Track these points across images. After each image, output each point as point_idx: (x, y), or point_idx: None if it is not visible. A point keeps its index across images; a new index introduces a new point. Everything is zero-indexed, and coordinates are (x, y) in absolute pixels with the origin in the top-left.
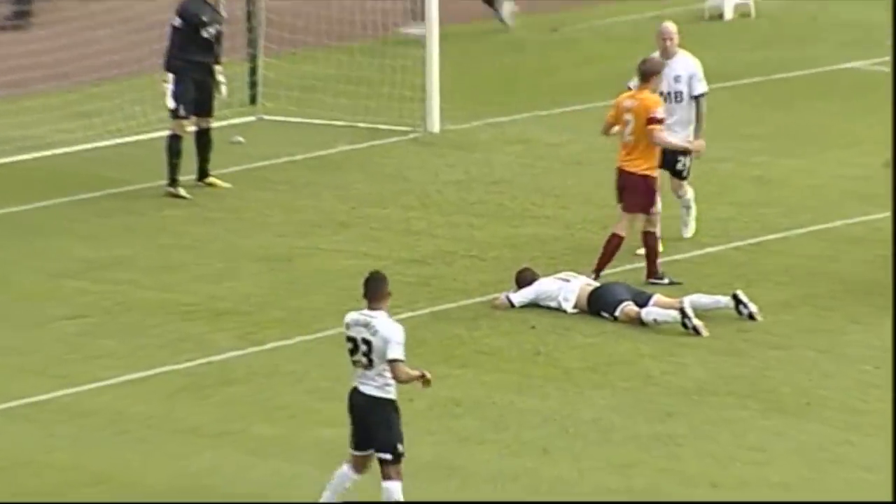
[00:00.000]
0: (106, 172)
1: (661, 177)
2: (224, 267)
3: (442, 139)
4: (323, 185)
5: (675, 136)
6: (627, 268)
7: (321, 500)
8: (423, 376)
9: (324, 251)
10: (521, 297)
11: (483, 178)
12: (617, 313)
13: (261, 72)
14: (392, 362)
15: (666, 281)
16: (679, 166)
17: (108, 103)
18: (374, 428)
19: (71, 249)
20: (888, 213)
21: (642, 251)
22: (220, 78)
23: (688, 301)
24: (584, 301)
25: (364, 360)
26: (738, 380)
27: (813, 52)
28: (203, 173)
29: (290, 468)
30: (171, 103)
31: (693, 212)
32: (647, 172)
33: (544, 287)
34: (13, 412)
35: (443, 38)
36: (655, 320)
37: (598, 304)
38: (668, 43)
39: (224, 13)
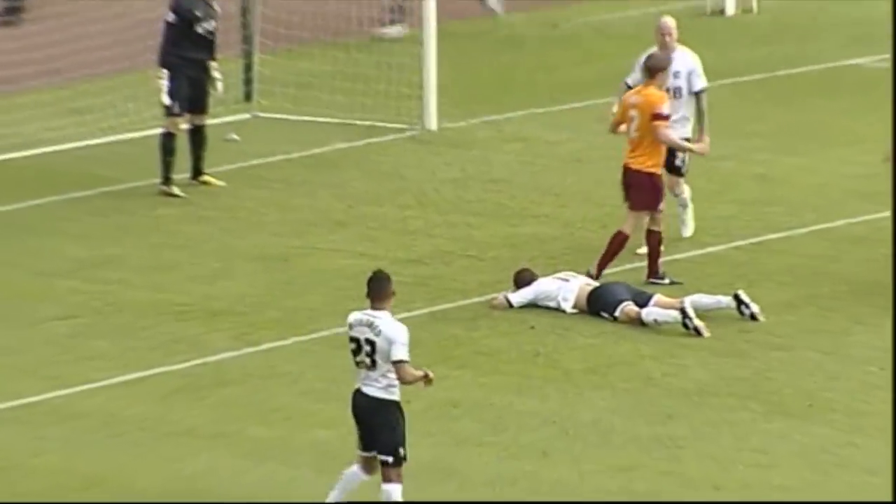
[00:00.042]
0: (98, 170)
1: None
2: (218, 266)
3: (439, 137)
4: (319, 183)
5: (676, 133)
6: (627, 267)
7: (328, 500)
8: (426, 376)
9: (320, 250)
10: (519, 297)
11: (481, 176)
12: (617, 313)
13: (256, 68)
14: (397, 363)
15: (667, 281)
16: (678, 162)
17: (100, 100)
18: (376, 430)
19: (62, 249)
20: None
21: (643, 250)
22: (216, 74)
23: (689, 301)
24: (583, 301)
25: (367, 360)
26: (740, 381)
27: (816, 49)
28: (197, 171)
29: (286, 471)
30: (166, 100)
31: (691, 210)
32: (653, 170)
33: (543, 287)
34: (3, 414)
35: (440, 34)
36: (656, 321)
37: (597, 305)
38: (668, 38)
39: (217, 8)
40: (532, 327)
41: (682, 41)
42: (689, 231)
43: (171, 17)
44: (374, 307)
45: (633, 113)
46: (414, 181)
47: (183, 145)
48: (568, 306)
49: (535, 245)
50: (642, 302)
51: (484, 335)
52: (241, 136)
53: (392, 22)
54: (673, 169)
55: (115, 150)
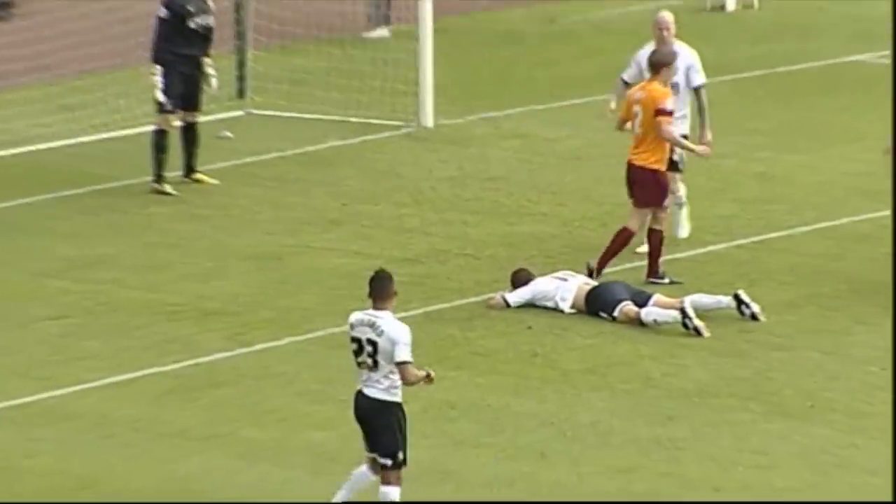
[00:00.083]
0: (89, 168)
1: None
2: (211, 266)
3: (436, 134)
4: (313, 181)
5: (676, 130)
6: (627, 266)
7: (335, 500)
8: (428, 376)
9: (314, 249)
10: (517, 296)
11: (478, 174)
12: (616, 313)
13: (249, 65)
14: (400, 365)
15: (666, 280)
16: (675, 157)
17: (91, 96)
18: (378, 432)
19: (53, 248)
20: None
21: (643, 249)
22: (210, 71)
23: (688, 301)
24: (581, 301)
25: (369, 361)
26: (741, 382)
27: (817, 45)
28: (190, 169)
29: (280, 473)
30: (160, 96)
31: (686, 210)
32: (656, 166)
33: (541, 287)
34: None
35: (436, 30)
36: (655, 321)
37: (596, 304)
38: (665, 33)
39: (211, 4)
40: (529, 327)
41: (681, 37)
42: (684, 232)
43: (163, 12)
44: (375, 307)
45: (636, 109)
46: (410, 179)
47: (175, 143)
48: (566, 306)
49: (533, 244)
50: (641, 302)
51: (480, 335)
52: (235, 133)
53: (376, 25)
54: (670, 165)
55: (106, 148)
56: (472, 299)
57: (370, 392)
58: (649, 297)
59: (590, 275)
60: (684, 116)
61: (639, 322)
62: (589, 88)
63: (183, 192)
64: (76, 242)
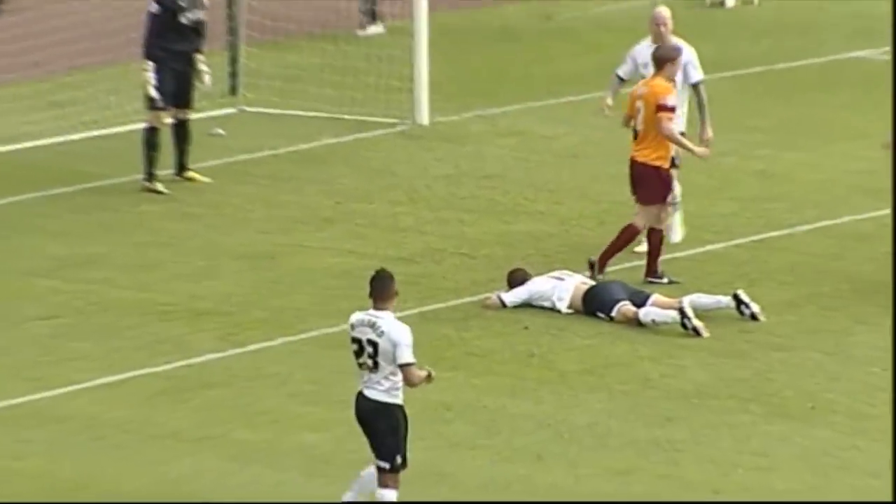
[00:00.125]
0: (79, 166)
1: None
2: (203, 265)
3: (431, 132)
4: (307, 179)
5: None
6: (626, 266)
7: (343, 499)
8: (429, 375)
9: (307, 248)
10: (513, 296)
11: (474, 172)
12: (613, 313)
13: (242, 61)
14: (403, 367)
15: (665, 280)
16: (671, 153)
17: (81, 93)
18: (378, 435)
19: (43, 247)
20: None
21: (641, 248)
22: (203, 67)
23: (687, 301)
24: (579, 301)
25: (370, 362)
26: (740, 383)
27: (818, 41)
28: (181, 167)
29: (273, 475)
30: (153, 93)
31: (680, 214)
32: (658, 163)
33: (537, 286)
34: None
35: (432, 26)
36: (654, 321)
37: (593, 304)
38: (662, 29)
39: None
40: (526, 328)
41: (681, 33)
42: (676, 237)
43: (154, 7)
44: (376, 307)
45: (639, 104)
46: (404, 177)
47: (167, 140)
48: (563, 306)
49: (530, 243)
50: (640, 302)
51: (476, 336)
52: (227, 130)
53: (368, 23)
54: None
55: (96, 145)
56: (468, 299)
57: (371, 394)
58: (647, 296)
59: (591, 269)
60: (683, 112)
61: (637, 322)
62: (586, 85)
63: (174, 191)
64: (66, 241)
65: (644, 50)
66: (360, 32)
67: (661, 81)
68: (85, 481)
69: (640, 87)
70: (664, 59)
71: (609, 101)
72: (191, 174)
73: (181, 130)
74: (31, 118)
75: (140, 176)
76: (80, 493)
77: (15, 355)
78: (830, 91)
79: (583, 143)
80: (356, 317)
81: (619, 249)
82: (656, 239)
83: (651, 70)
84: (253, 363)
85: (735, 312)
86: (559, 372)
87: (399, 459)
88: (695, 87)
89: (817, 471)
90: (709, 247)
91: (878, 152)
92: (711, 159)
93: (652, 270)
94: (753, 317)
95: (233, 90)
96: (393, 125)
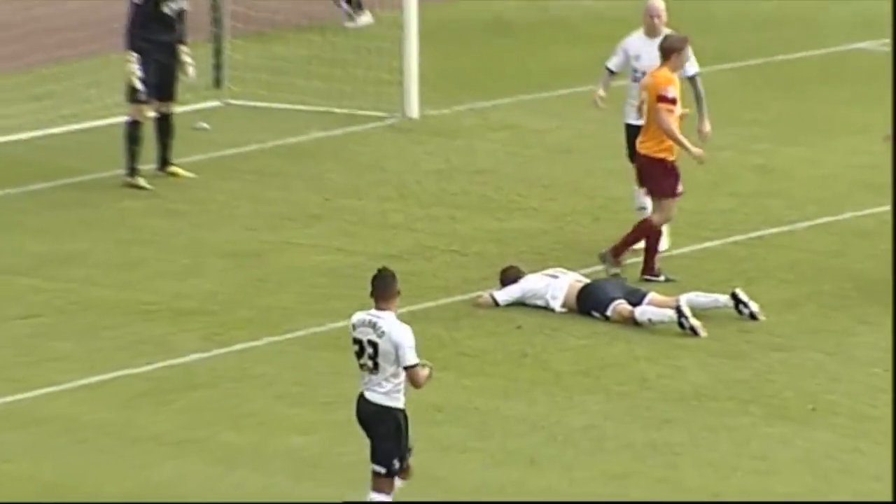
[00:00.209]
0: (59, 161)
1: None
2: (187, 263)
3: (421, 125)
4: (294, 174)
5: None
6: (623, 264)
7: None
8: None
9: (295, 246)
10: (505, 295)
11: (465, 167)
12: (609, 312)
13: (226, 53)
14: (409, 369)
15: (662, 278)
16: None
17: (60, 86)
18: (376, 439)
19: (22, 244)
20: None
21: (638, 245)
22: (187, 59)
23: (684, 300)
24: (573, 299)
25: (370, 363)
26: (739, 384)
27: (819, 33)
28: (165, 162)
29: (260, 479)
30: (139, 84)
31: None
32: (662, 155)
33: (531, 284)
34: None
35: (422, 17)
36: (650, 320)
37: (588, 303)
38: (656, 20)
39: None
40: (519, 327)
41: (677, 25)
42: (662, 245)
43: None
44: (378, 307)
45: (643, 95)
46: (394, 172)
47: (149, 134)
48: (557, 305)
49: (523, 240)
50: (636, 300)
51: (468, 335)
52: (212, 124)
53: (357, 14)
54: None
55: (77, 139)
56: (459, 298)
57: (371, 396)
58: (644, 295)
59: (604, 261)
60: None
61: (633, 321)
62: (579, 78)
63: (157, 186)
64: (46, 238)
65: (636, 41)
66: (350, 24)
67: (664, 72)
68: (65, 485)
69: (645, 78)
70: (671, 50)
71: (601, 92)
72: (174, 169)
73: (164, 124)
74: (9, 111)
75: (122, 171)
76: (61, 497)
77: None
78: (832, 83)
79: (576, 137)
80: (357, 317)
81: (633, 244)
82: (654, 236)
83: (643, 62)
84: (238, 364)
85: (733, 311)
86: (553, 373)
87: (396, 464)
88: (691, 80)
89: (818, 474)
90: (706, 244)
91: (879, 147)
92: (709, 154)
93: (649, 268)
94: (752, 316)
95: (217, 83)
96: (382, 119)
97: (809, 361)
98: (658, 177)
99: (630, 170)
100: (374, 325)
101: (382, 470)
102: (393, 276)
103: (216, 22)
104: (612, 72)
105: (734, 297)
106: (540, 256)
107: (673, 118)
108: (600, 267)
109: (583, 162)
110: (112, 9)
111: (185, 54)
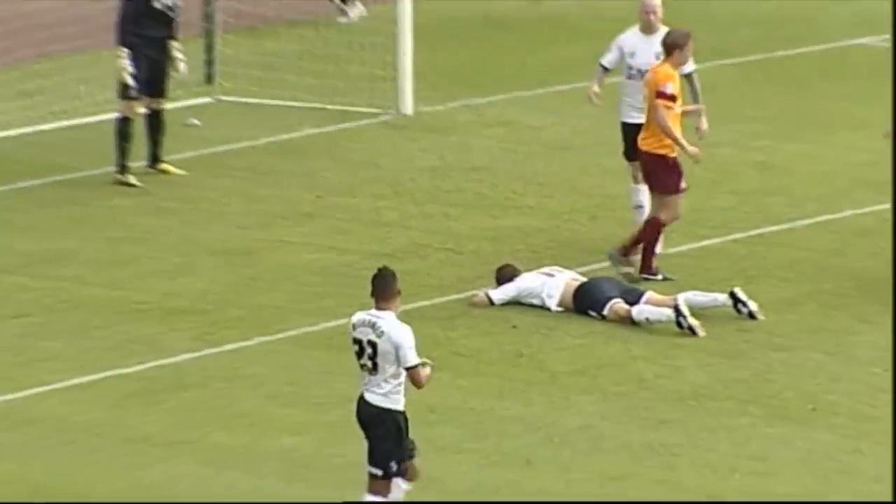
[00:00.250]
0: (49, 158)
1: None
2: (178, 261)
3: (415, 122)
4: (286, 172)
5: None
6: None
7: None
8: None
9: (287, 244)
10: (501, 293)
11: (460, 164)
12: (605, 311)
13: (218, 49)
14: (410, 370)
15: (660, 277)
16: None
17: (50, 82)
18: (375, 440)
19: (11, 242)
20: None
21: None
22: (178, 55)
23: (682, 298)
24: (569, 298)
25: (369, 363)
26: (738, 384)
27: (820, 28)
28: (155, 159)
29: (251, 480)
30: (130, 80)
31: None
32: (663, 151)
33: (526, 283)
34: None
35: (416, 12)
36: (648, 319)
37: (584, 302)
38: (652, 17)
39: None
40: (515, 326)
41: (676, 22)
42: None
43: None
44: (378, 307)
45: (645, 91)
46: (388, 169)
47: (140, 131)
48: (553, 304)
49: (518, 238)
50: (633, 299)
51: (463, 335)
52: (203, 121)
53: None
54: None
55: (67, 136)
56: (454, 297)
57: (371, 398)
58: (641, 294)
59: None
60: None
61: (630, 321)
62: (575, 74)
63: (148, 184)
64: (35, 236)
65: (631, 38)
66: (343, 20)
67: (665, 68)
68: (55, 486)
69: (648, 73)
70: (673, 46)
71: (596, 88)
72: (165, 166)
73: (155, 121)
74: None
75: (112, 168)
76: (50, 499)
77: None
78: (832, 79)
79: (572, 134)
80: (357, 317)
81: (641, 242)
82: (653, 234)
83: (638, 59)
84: (229, 363)
85: (732, 311)
86: (549, 373)
87: (393, 466)
88: (688, 77)
89: (818, 475)
90: (705, 242)
91: (880, 144)
92: (708, 151)
93: (647, 266)
94: (751, 315)
95: (209, 79)
96: (376, 115)
97: (809, 361)
98: (660, 173)
99: (626, 168)
100: (373, 325)
101: (379, 472)
102: (393, 275)
103: (207, 17)
104: (605, 68)
105: (733, 296)
106: (536, 255)
107: (672, 115)
108: (597, 265)
109: (579, 159)
110: (101, 3)
111: (177, 50)
